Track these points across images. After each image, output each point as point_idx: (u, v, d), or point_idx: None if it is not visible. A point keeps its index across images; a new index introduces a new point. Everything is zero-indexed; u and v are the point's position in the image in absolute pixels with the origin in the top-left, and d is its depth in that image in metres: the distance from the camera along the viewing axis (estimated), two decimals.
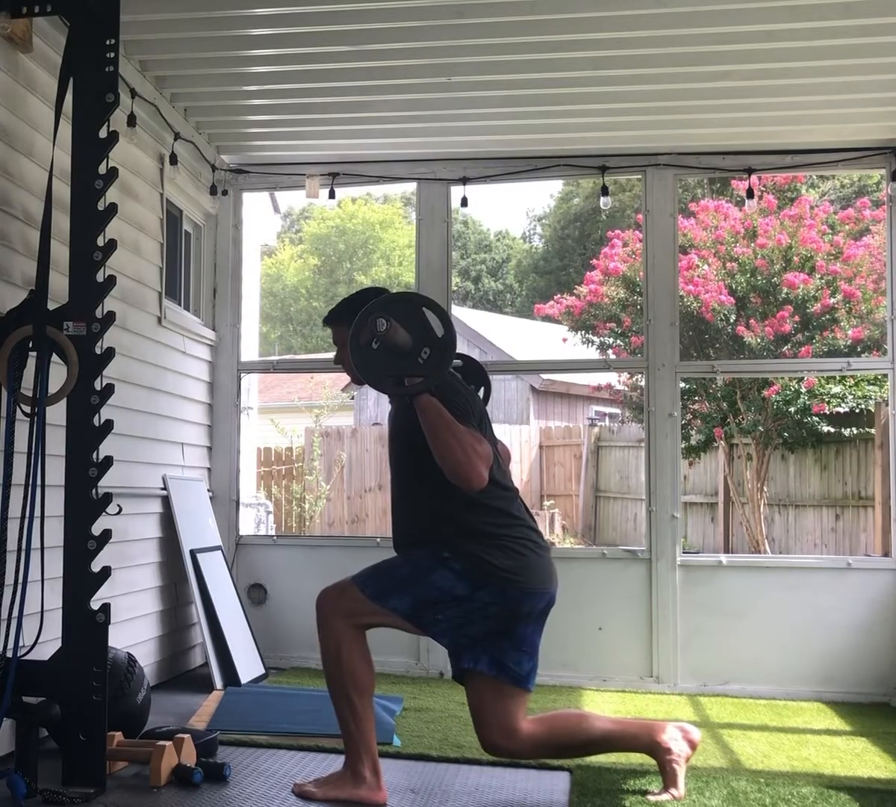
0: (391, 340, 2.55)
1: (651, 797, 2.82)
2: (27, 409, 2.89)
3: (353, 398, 16.54)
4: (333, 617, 2.74)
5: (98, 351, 2.92)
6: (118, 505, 2.99)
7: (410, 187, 5.60)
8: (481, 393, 3.14)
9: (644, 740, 2.85)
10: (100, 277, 2.94)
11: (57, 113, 3.03)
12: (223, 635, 4.34)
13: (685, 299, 8.65)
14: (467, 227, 31.20)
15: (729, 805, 2.80)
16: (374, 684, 2.77)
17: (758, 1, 3.43)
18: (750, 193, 4.95)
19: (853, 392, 9.00)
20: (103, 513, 2.86)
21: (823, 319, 8.86)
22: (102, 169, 2.93)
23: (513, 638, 2.72)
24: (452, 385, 2.72)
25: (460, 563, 2.68)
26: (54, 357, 2.90)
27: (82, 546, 2.82)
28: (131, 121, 3.91)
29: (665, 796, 2.82)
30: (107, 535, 2.84)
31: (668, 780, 2.84)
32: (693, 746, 2.90)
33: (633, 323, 9.77)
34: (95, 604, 2.82)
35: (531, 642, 2.76)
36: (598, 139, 4.73)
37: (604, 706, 4.15)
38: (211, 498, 4.97)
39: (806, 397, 8.88)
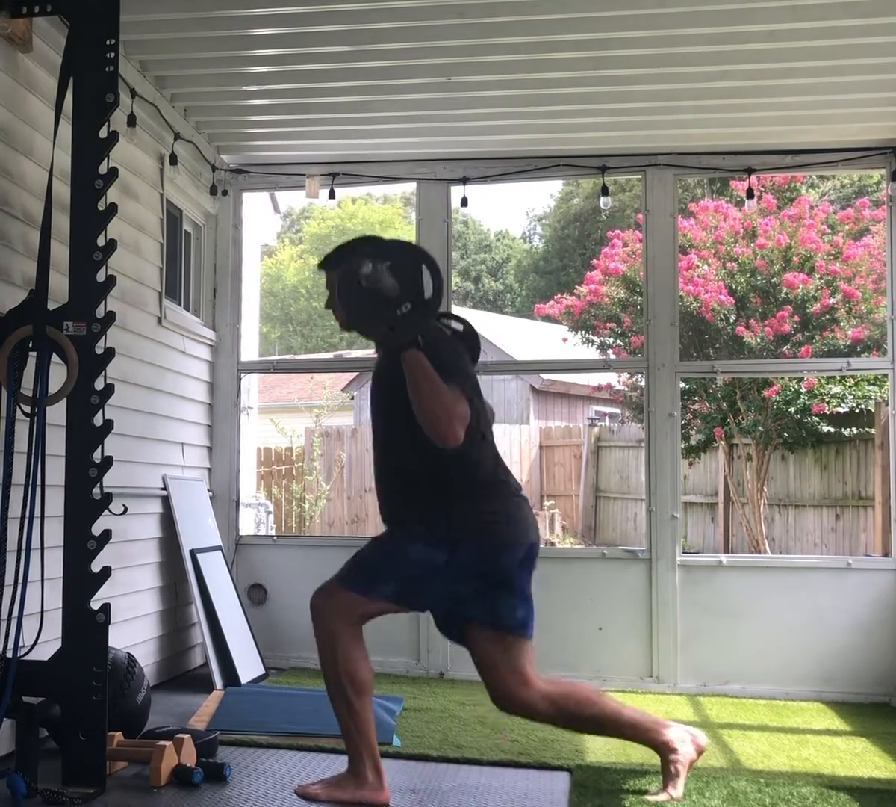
0: (375, 285, 2.58)
1: (649, 797, 2.82)
2: (27, 409, 2.89)
3: (352, 398, 16.54)
4: (327, 618, 2.75)
5: (98, 351, 2.92)
6: (124, 505, 3.00)
7: (410, 187, 5.60)
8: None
9: (652, 734, 2.84)
10: (100, 277, 2.94)
11: (57, 113, 3.03)
12: (223, 635, 4.34)
13: (685, 299, 8.65)
14: (467, 227, 31.20)
15: (729, 805, 2.80)
16: (372, 684, 2.77)
17: (758, 1, 3.43)
18: (750, 193, 4.95)
19: (853, 392, 9.00)
20: (110, 513, 2.86)
21: (823, 319, 8.86)
22: (102, 169, 2.93)
23: (501, 589, 2.71)
24: (442, 341, 2.73)
25: (432, 530, 2.69)
26: (54, 357, 2.90)
27: (82, 546, 2.82)
28: (131, 121, 3.91)
29: (662, 797, 2.81)
30: (107, 535, 2.84)
31: (669, 780, 2.83)
32: (699, 751, 2.89)
33: (633, 323, 9.76)
34: (95, 604, 2.82)
35: (520, 589, 2.74)
36: (598, 139, 4.73)
37: None
38: (211, 498, 4.97)
39: (806, 397, 8.88)
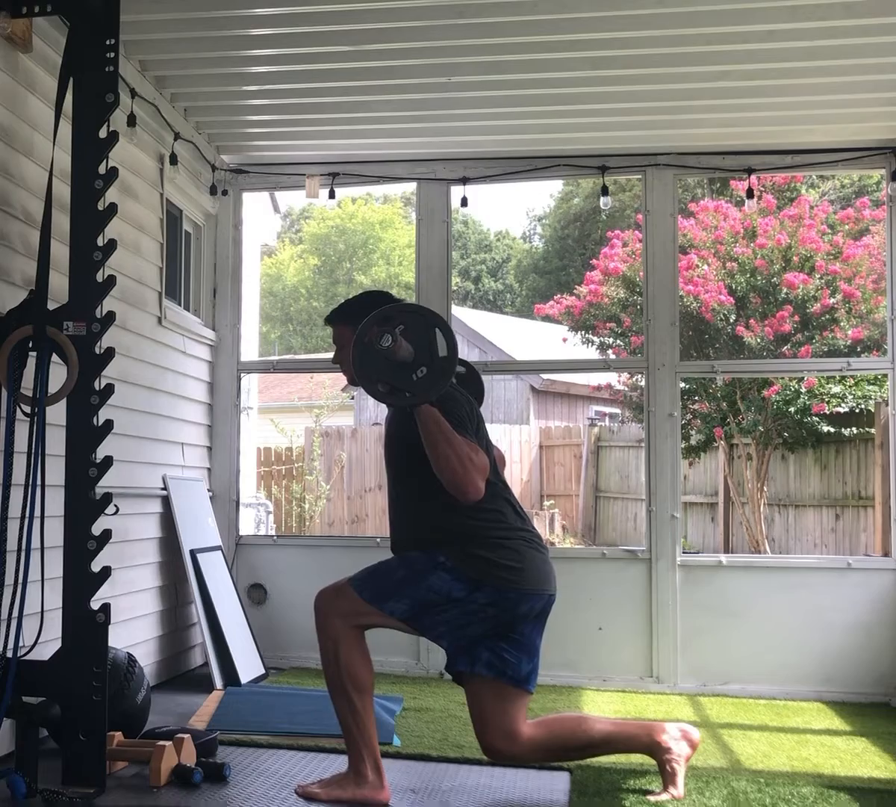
0: (393, 356, 2.57)
1: (651, 798, 2.82)
2: (27, 409, 2.89)
3: (352, 398, 16.54)
4: (331, 617, 2.75)
5: (98, 351, 2.92)
6: (115, 505, 2.99)
7: (410, 187, 5.60)
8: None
9: (644, 740, 2.85)
10: (100, 277, 2.94)
11: (57, 113, 3.03)
12: (223, 635, 4.34)
13: (685, 299, 8.66)
14: (467, 227, 31.21)
15: (729, 805, 2.80)
16: (373, 684, 2.77)
17: (758, 1, 3.43)
18: (750, 193, 4.95)
19: (853, 392, 9.01)
20: (103, 513, 2.86)
21: (823, 319, 8.86)
22: (102, 169, 2.92)
23: (512, 639, 2.72)
24: (451, 394, 2.73)
25: (456, 565, 2.69)
26: (54, 357, 2.90)
27: (82, 546, 2.82)
28: (131, 121, 3.91)
29: (664, 797, 2.82)
30: (107, 535, 2.84)
31: (668, 779, 2.84)
32: (693, 746, 2.90)
33: (633, 323, 9.77)
34: (95, 604, 2.82)
35: (531, 643, 2.75)
36: (598, 139, 4.73)
37: (604, 706, 4.15)
38: (211, 498, 4.97)
39: (806, 397, 8.88)
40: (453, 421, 2.64)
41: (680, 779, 2.84)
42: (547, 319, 12.97)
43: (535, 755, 2.82)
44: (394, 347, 2.54)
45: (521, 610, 2.71)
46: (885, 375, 4.87)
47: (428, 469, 2.65)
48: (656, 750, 2.85)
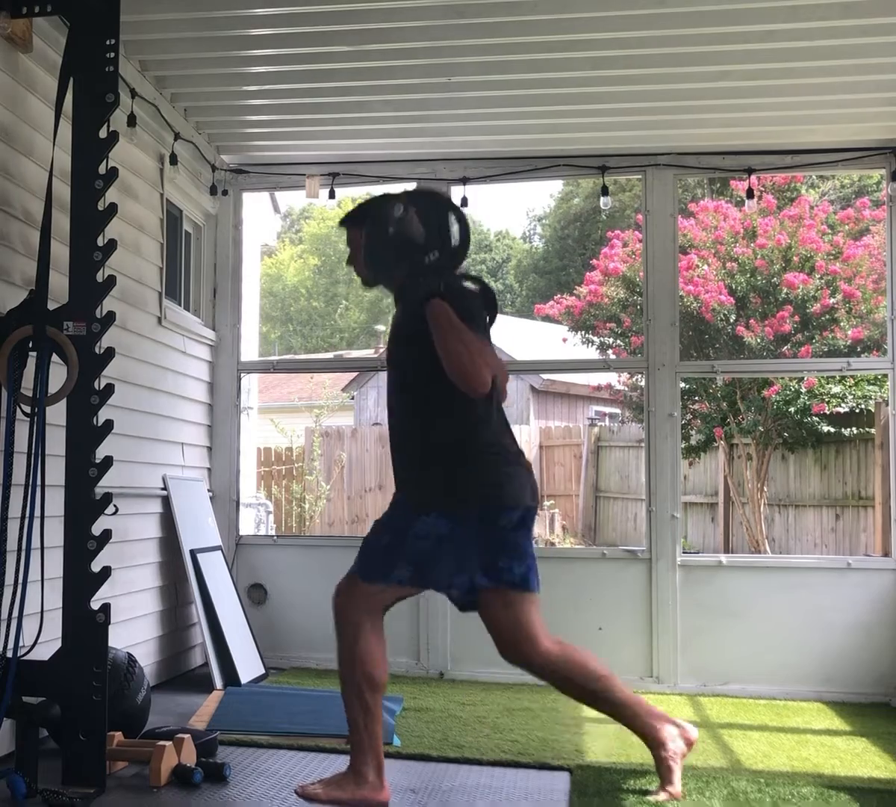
0: (405, 230, 2.54)
1: (651, 798, 2.82)
2: (27, 409, 2.89)
3: (353, 398, 16.54)
4: (349, 611, 2.75)
5: (98, 351, 2.92)
6: (114, 505, 2.99)
7: (410, 187, 5.59)
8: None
9: (647, 727, 2.84)
10: (100, 277, 2.94)
11: (57, 113, 3.03)
12: (223, 635, 4.34)
13: (685, 299, 8.66)
14: None
15: (729, 805, 2.80)
16: (386, 683, 2.78)
17: (758, 1, 3.43)
18: (750, 193, 4.95)
19: (853, 392, 9.01)
20: (103, 513, 2.86)
21: (823, 319, 8.86)
22: (102, 169, 2.93)
23: (499, 548, 2.72)
24: (464, 290, 2.72)
25: (432, 506, 2.70)
26: (54, 357, 2.90)
27: (82, 546, 2.82)
28: (131, 121, 3.91)
29: (663, 796, 2.81)
30: (107, 535, 2.84)
31: (664, 777, 2.84)
32: (690, 744, 2.90)
33: (633, 323, 9.77)
34: (95, 604, 2.82)
35: (517, 546, 2.76)
36: (598, 139, 4.73)
37: None
38: (211, 498, 4.97)
39: (806, 397, 8.88)
40: (464, 316, 2.63)
41: (676, 777, 2.84)
42: (547, 319, 12.97)
43: (548, 669, 2.80)
44: (405, 217, 2.50)
45: (500, 521, 2.72)
46: (885, 375, 4.87)
47: (428, 369, 2.66)
48: (653, 744, 2.84)
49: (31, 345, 2.90)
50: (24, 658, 2.78)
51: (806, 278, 8.78)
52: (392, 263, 2.66)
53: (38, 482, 2.83)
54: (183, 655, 4.68)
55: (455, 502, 2.71)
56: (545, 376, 15.48)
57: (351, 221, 2.92)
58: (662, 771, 2.84)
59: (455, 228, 2.60)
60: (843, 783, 3.07)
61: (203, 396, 5.02)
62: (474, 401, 2.71)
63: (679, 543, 4.67)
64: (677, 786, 2.83)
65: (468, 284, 2.94)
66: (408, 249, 2.59)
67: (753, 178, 4.88)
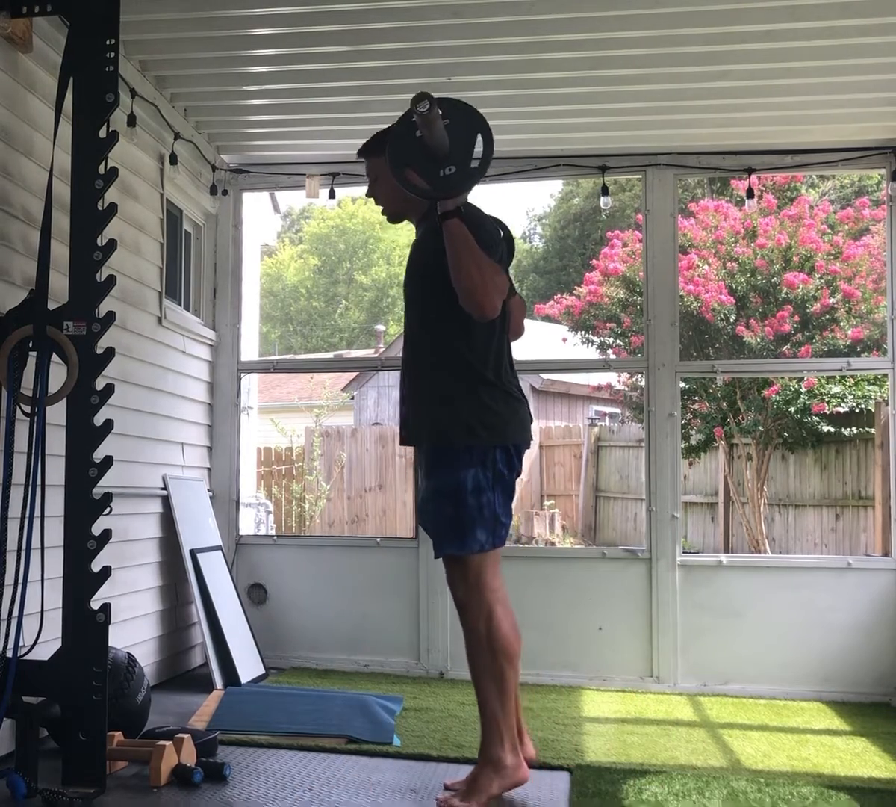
0: (429, 131, 2.48)
1: (439, 795, 2.72)
2: (27, 409, 2.89)
3: (353, 398, 16.54)
4: (476, 593, 2.70)
5: (98, 351, 2.92)
6: (109, 506, 2.99)
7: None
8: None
9: (502, 739, 2.68)
10: (100, 277, 2.94)
11: (57, 113, 3.03)
12: (223, 635, 4.34)
13: (685, 299, 8.66)
14: None
15: (729, 805, 2.80)
16: (519, 656, 2.72)
17: (757, 1, 3.43)
18: (750, 193, 4.95)
19: (853, 392, 9.01)
20: (102, 513, 2.86)
21: (823, 318, 8.86)
22: (102, 169, 2.93)
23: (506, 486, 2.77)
24: (483, 217, 2.72)
25: (467, 444, 2.70)
26: (54, 357, 2.90)
27: (82, 546, 2.82)
28: (131, 121, 3.92)
29: (447, 794, 2.70)
30: (107, 535, 2.84)
31: (468, 786, 2.68)
32: (504, 789, 2.71)
33: (633, 323, 9.77)
34: (95, 604, 2.82)
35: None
36: (598, 139, 4.73)
37: (604, 706, 4.15)
38: (211, 498, 4.97)
39: (806, 397, 8.88)
40: (482, 239, 2.62)
41: (477, 800, 2.63)
42: (547, 319, 12.97)
43: (474, 618, 2.71)
44: (430, 115, 2.40)
45: (514, 463, 2.77)
46: (885, 375, 4.87)
47: (444, 304, 2.66)
48: (489, 759, 2.69)
49: (31, 345, 2.91)
50: (24, 658, 2.78)
51: (806, 278, 8.78)
52: (407, 170, 2.59)
53: (38, 482, 2.83)
54: (183, 655, 4.68)
55: (487, 439, 2.71)
56: (545, 376, 15.47)
57: (371, 149, 2.92)
58: (470, 782, 2.69)
59: (479, 149, 2.53)
60: (843, 783, 3.07)
61: (203, 396, 5.02)
62: (487, 335, 2.70)
63: (679, 543, 4.67)
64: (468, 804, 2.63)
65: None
66: (424, 158, 2.53)
67: (753, 177, 4.88)
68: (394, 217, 3.01)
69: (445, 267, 2.65)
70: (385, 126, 2.93)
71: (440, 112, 2.46)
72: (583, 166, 4.88)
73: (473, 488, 2.70)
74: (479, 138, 2.53)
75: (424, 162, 2.54)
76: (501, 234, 2.83)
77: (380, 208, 3.03)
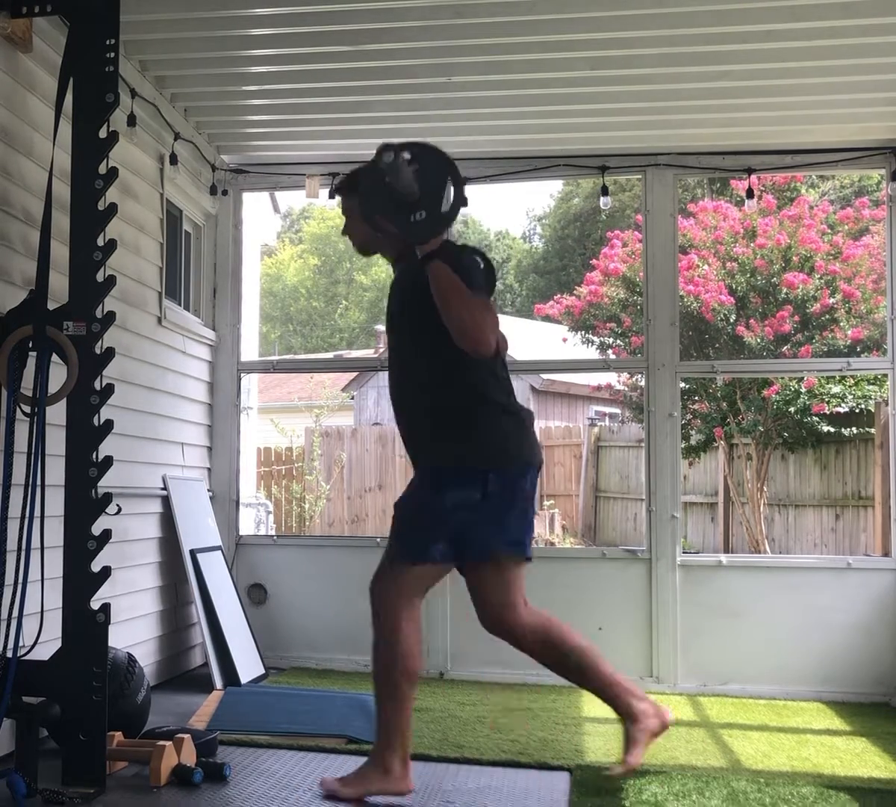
0: (395, 179, 2.51)
1: (607, 773, 2.84)
2: (27, 409, 2.89)
3: (352, 398, 16.54)
4: (391, 599, 2.73)
5: (98, 351, 2.92)
6: (117, 505, 3.00)
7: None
8: None
9: (624, 698, 2.82)
10: (100, 277, 2.94)
11: (57, 113, 3.03)
12: (223, 635, 4.34)
13: (685, 299, 8.65)
14: (467, 227, 31.21)
15: (729, 805, 2.80)
16: (418, 675, 2.77)
17: (757, 1, 3.43)
18: (749, 193, 4.95)
19: (853, 392, 9.01)
20: (103, 513, 2.86)
21: (823, 318, 8.86)
22: (102, 169, 2.92)
23: (508, 510, 2.74)
24: (463, 254, 2.73)
25: (456, 469, 2.71)
26: (54, 357, 2.90)
27: (82, 546, 2.82)
28: (131, 121, 3.91)
29: (619, 770, 2.80)
30: (107, 535, 2.84)
31: (627, 747, 2.80)
32: (663, 726, 2.86)
33: (633, 323, 9.77)
34: (95, 604, 2.81)
35: (525, 510, 2.79)
36: (598, 139, 4.73)
37: (604, 706, 4.13)
38: (211, 498, 4.97)
39: (806, 397, 8.88)
40: (466, 278, 2.63)
41: (639, 750, 2.79)
42: (547, 319, 12.98)
43: (529, 638, 2.79)
44: (395, 164, 2.44)
45: (516, 487, 2.75)
46: (885, 375, 4.87)
47: (431, 335, 2.66)
48: (628, 715, 2.82)
49: (31, 345, 2.90)
50: (24, 658, 2.78)
51: (806, 278, 8.78)
52: (378, 215, 2.62)
53: (38, 482, 2.83)
54: (183, 655, 4.68)
55: (472, 463, 2.71)
56: (545, 376, 15.48)
57: (345, 187, 2.92)
58: (627, 743, 2.81)
59: (450, 192, 2.55)
60: (843, 783, 3.07)
61: (203, 396, 5.02)
62: (479, 363, 2.71)
63: (679, 543, 4.67)
64: (637, 758, 2.79)
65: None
66: (394, 204, 2.55)
67: (753, 178, 4.88)
68: (369, 253, 3.01)
69: (434, 305, 2.66)
70: (384, 138, 2.92)
71: (409, 156, 2.51)
72: (583, 166, 4.88)
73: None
74: (449, 182, 2.57)
75: (395, 208, 2.57)
76: (483, 265, 2.85)
77: (353, 244, 3.02)
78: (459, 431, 2.75)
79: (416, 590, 2.75)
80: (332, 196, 5.05)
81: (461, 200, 2.57)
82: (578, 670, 2.87)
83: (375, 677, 2.76)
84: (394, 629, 2.71)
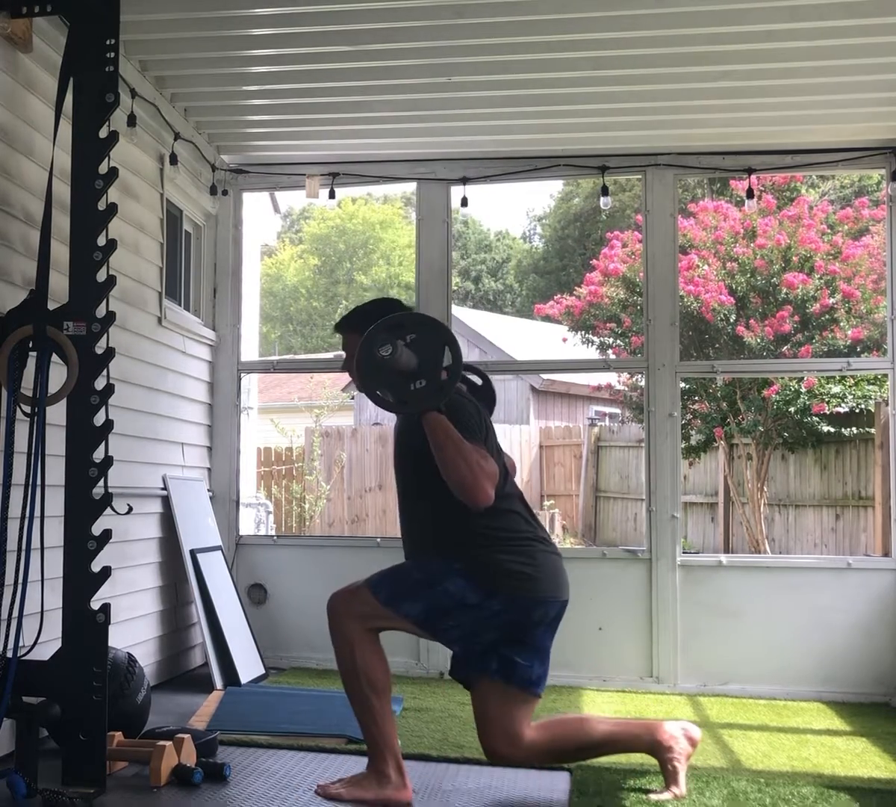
0: (393, 364, 2.59)
1: (652, 796, 2.83)
2: (27, 409, 2.89)
3: (353, 398, 16.53)
4: (346, 619, 2.74)
5: (98, 351, 2.92)
6: (128, 504, 3.00)
7: (410, 187, 5.60)
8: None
9: (645, 739, 2.85)
10: (100, 277, 2.94)
11: (57, 113, 3.03)
12: (223, 635, 4.34)
13: (685, 299, 8.65)
14: (467, 227, 31.20)
15: (729, 805, 2.80)
16: (390, 684, 2.76)
17: (758, 1, 3.43)
18: (749, 193, 4.95)
19: (853, 392, 9.00)
20: (114, 512, 2.87)
21: (823, 319, 8.86)
22: (102, 169, 2.93)
23: (523, 644, 2.73)
24: (460, 403, 2.74)
25: (471, 572, 2.70)
26: (54, 357, 2.90)
27: (82, 546, 2.82)
28: (131, 121, 3.92)
29: (666, 796, 2.82)
30: (107, 535, 2.84)
31: (670, 778, 2.84)
32: (693, 744, 2.90)
33: (633, 323, 9.76)
34: (95, 604, 2.82)
35: (542, 647, 2.77)
36: (598, 139, 4.73)
37: (604, 706, 4.15)
38: (211, 498, 4.97)
39: (806, 397, 8.88)
40: (462, 428, 2.65)
41: (682, 777, 2.84)
42: (547, 319, 12.98)
43: (536, 758, 2.82)
44: (393, 357, 2.55)
45: (534, 616, 2.72)
46: (885, 375, 4.87)
47: (438, 478, 2.66)
48: (658, 749, 2.84)
49: (31, 345, 2.90)
50: (24, 658, 2.78)
51: (805, 278, 8.77)
52: (379, 389, 2.66)
53: (38, 482, 2.83)
54: (183, 655, 4.68)
55: (490, 584, 2.70)
56: (545, 376, 15.48)
57: (346, 325, 2.95)
58: (667, 773, 2.84)
59: (448, 362, 2.61)
60: (843, 783, 3.07)
61: (203, 396, 5.02)
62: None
63: (679, 543, 4.67)
64: (682, 787, 2.83)
65: (471, 376, 2.96)
66: (393, 376, 2.62)
67: (753, 178, 4.88)
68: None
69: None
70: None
71: (402, 342, 2.57)
72: (583, 166, 4.88)
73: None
74: (448, 352, 2.61)
75: (394, 378, 2.62)
76: (480, 408, 2.84)
77: (354, 381, 3.03)
78: (474, 559, 2.71)
79: (371, 623, 2.73)
80: (332, 196, 5.07)
81: (459, 368, 2.63)
82: (598, 755, 2.91)
83: (347, 692, 2.76)
84: (351, 651, 2.71)
